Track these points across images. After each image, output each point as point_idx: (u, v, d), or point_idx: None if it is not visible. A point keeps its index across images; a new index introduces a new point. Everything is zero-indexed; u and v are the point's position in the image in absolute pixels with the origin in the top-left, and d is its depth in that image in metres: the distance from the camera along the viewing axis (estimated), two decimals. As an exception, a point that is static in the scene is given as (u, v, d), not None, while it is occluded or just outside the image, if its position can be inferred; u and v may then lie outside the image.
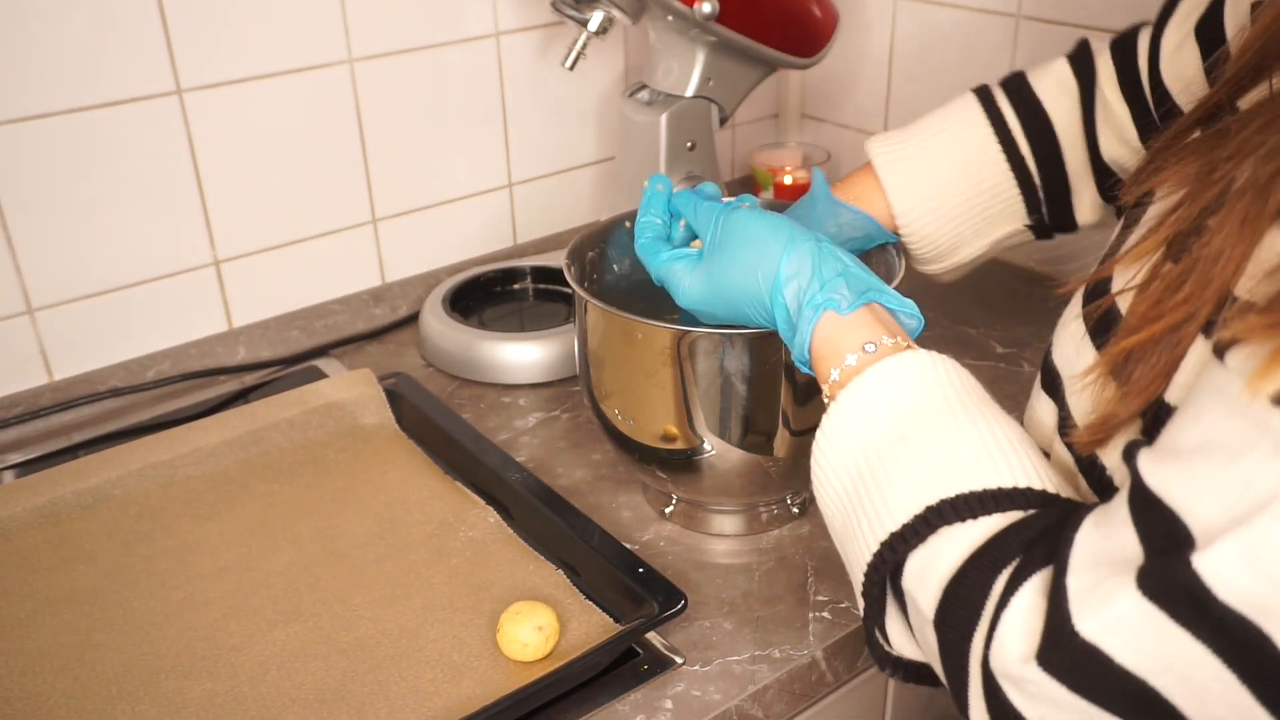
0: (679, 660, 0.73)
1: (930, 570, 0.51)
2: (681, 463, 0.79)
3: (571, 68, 1.06)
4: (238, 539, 0.84)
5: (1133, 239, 0.56)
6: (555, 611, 0.72)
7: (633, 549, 0.82)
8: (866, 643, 0.60)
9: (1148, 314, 0.49)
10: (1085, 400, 0.54)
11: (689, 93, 1.05)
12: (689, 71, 1.05)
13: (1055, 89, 0.80)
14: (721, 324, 0.70)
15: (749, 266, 0.63)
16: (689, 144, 1.07)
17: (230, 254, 1.07)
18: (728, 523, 0.85)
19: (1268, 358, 0.40)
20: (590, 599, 0.77)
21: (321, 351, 1.12)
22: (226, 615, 0.76)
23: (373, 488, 0.89)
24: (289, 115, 1.06)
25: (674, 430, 0.77)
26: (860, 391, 0.56)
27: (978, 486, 0.51)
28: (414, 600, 0.77)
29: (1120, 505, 0.46)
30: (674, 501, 0.86)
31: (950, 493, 0.51)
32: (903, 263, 0.79)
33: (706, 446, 0.77)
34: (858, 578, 0.56)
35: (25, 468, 0.94)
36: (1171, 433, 0.45)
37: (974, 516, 0.51)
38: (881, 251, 0.83)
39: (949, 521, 0.51)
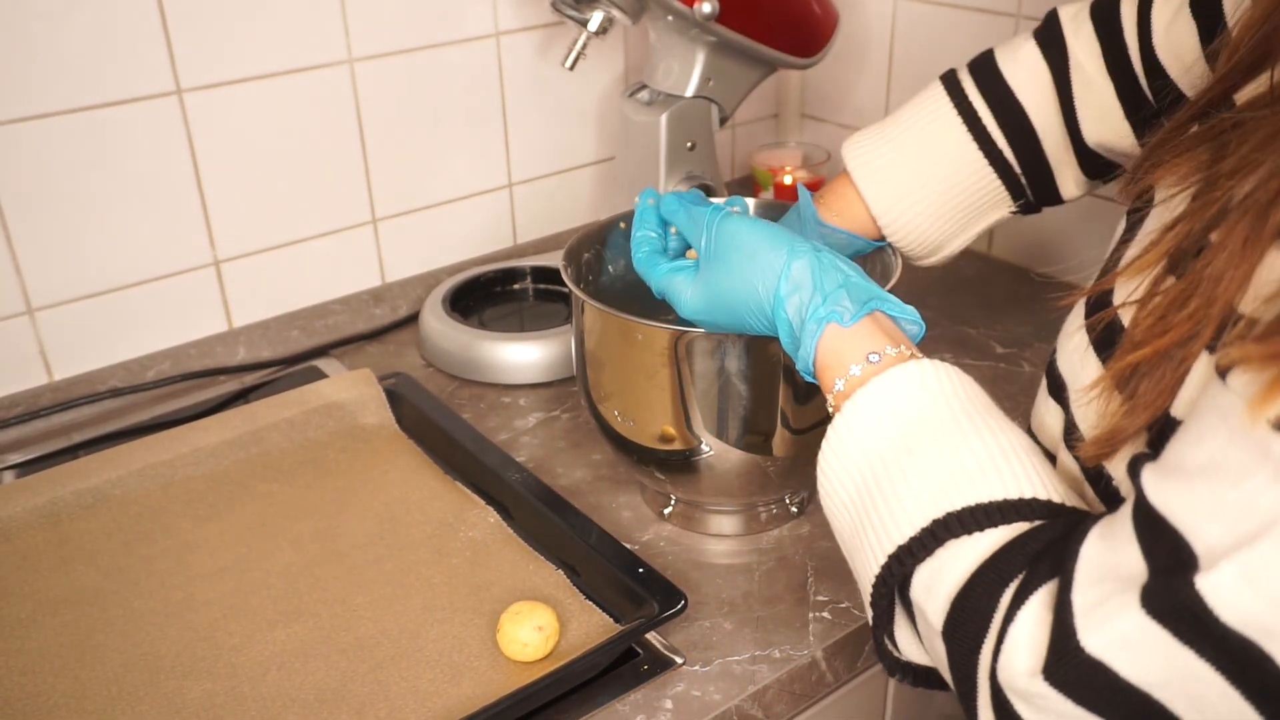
0: (679, 660, 0.73)
1: (938, 583, 0.52)
2: (680, 463, 0.79)
3: (571, 68, 1.06)
4: (238, 539, 0.84)
5: (1133, 251, 0.56)
6: (555, 611, 0.72)
7: (633, 549, 0.82)
8: (875, 650, 0.60)
9: (1153, 329, 0.49)
10: (1091, 413, 0.55)
11: (689, 93, 1.05)
12: (689, 71, 1.05)
13: (1026, 76, 0.79)
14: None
15: (748, 279, 0.63)
16: (689, 144, 1.07)
17: (230, 254, 1.07)
18: (727, 523, 0.85)
19: (1268, 383, 0.40)
20: (590, 599, 0.77)
21: (321, 351, 1.12)
22: (226, 615, 0.76)
23: (373, 488, 0.89)
24: (289, 115, 1.06)
25: (672, 431, 0.77)
26: (865, 402, 0.56)
27: (984, 498, 0.51)
28: (414, 600, 0.77)
29: (1124, 521, 0.46)
30: (672, 502, 0.86)
31: (956, 505, 0.52)
32: (899, 263, 0.79)
33: (705, 447, 0.77)
34: (866, 588, 0.56)
35: (25, 468, 0.94)
36: (1175, 451, 0.45)
37: (980, 529, 0.51)
38: (878, 252, 0.83)
39: (955, 535, 0.51)
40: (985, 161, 0.80)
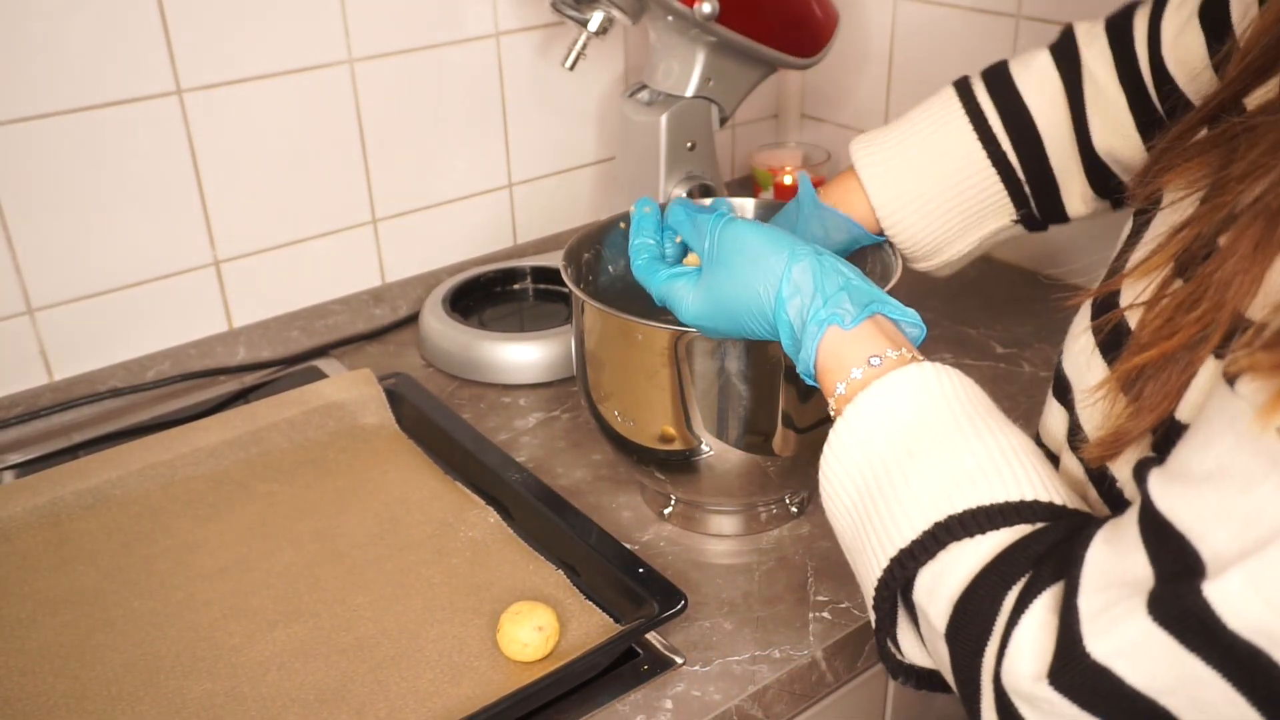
0: (679, 660, 0.73)
1: (941, 585, 0.52)
2: (680, 463, 0.79)
3: (571, 68, 1.06)
4: (238, 539, 0.84)
5: (1141, 253, 0.56)
6: (555, 611, 0.72)
7: (633, 549, 0.82)
8: (878, 653, 0.60)
9: (1160, 331, 0.49)
10: (1096, 414, 0.55)
11: (689, 93, 1.05)
12: (689, 71, 1.05)
13: (1037, 84, 0.79)
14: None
15: (750, 282, 0.63)
16: (689, 144, 1.07)
17: (230, 254, 1.07)
18: (727, 523, 0.85)
19: (1277, 391, 0.40)
20: (590, 599, 0.77)
21: (321, 351, 1.12)
22: (226, 615, 0.76)
23: (373, 488, 0.89)
24: (289, 115, 1.06)
25: (672, 431, 0.77)
26: (867, 406, 0.56)
27: (985, 501, 0.51)
28: (414, 600, 0.77)
29: (1130, 526, 0.46)
30: (672, 502, 0.86)
31: (958, 508, 0.52)
32: (899, 263, 0.79)
33: (705, 447, 0.77)
34: (869, 591, 0.56)
35: (25, 468, 0.94)
36: (1182, 456, 0.45)
37: (982, 531, 0.51)
38: (878, 251, 0.83)
39: (957, 537, 0.51)
40: (989, 163, 0.80)
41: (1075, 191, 0.81)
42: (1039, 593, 0.48)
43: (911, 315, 0.61)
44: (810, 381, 0.61)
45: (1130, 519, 0.46)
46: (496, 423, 1.00)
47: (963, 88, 0.81)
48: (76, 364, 1.02)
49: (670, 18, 1.00)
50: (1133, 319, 0.53)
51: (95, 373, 1.03)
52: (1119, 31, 0.76)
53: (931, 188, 0.80)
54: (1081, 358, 0.57)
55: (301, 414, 0.95)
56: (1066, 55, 0.79)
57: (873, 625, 0.58)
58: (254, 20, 1.01)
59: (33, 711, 0.69)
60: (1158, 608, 0.43)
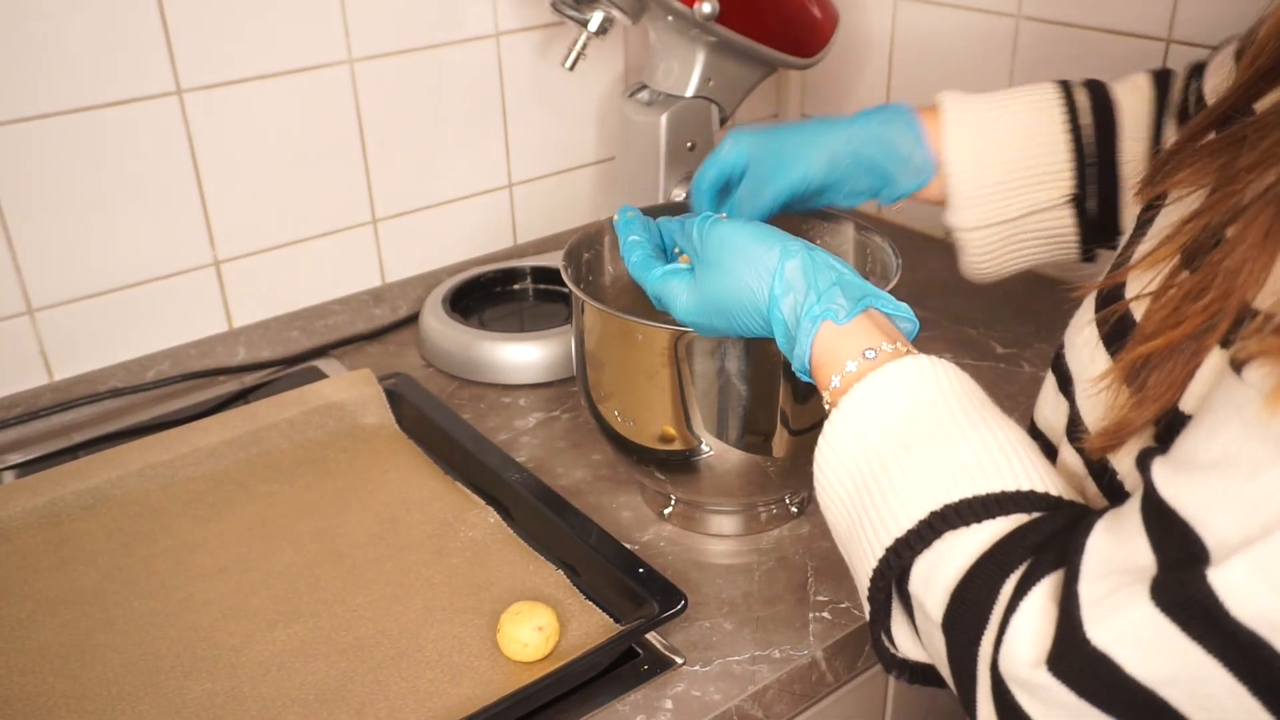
0: (679, 660, 0.73)
1: (937, 575, 0.52)
2: (680, 463, 0.79)
3: (571, 68, 1.06)
4: (238, 539, 0.84)
5: (1148, 245, 0.56)
6: (555, 612, 0.72)
7: (633, 549, 0.82)
8: (872, 646, 0.60)
9: (1166, 321, 0.49)
10: (1098, 405, 0.54)
11: (689, 93, 1.05)
12: (689, 72, 1.05)
13: (1131, 85, 0.80)
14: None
15: (742, 280, 0.63)
16: (689, 144, 1.07)
17: (230, 254, 1.07)
18: (727, 523, 0.85)
19: None
20: (590, 599, 0.77)
21: (321, 352, 1.12)
22: (226, 615, 0.76)
23: (373, 488, 0.89)
24: (289, 115, 1.06)
25: (672, 431, 0.77)
26: (862, 397, 0.56)
27: (981, 491, 0.51)
28: (414, 600, 0.77)
29: (1133, 513, 0.46)
30: (672, 502, 0.86)
31: (954, 498, 0.52)
32: (898, 263, 0.79)
33: (705, 447, 0.77)
34: (863, 583, 0.56)
35: (25, 468, 0.94)
36: (1187, 444, 0.45)
37: (978, 520, 0.51)
38: (879, 251, 0.83)
39: (953, 526, 0.51)
40: (1066, 130, 0.78)
41: (1131, 201, 0.79)
42: (1038, 580, 0.48)
43: (904, 309, 0.61)
44: (805, 377, 0.61)
45: (1133, 507, 0.46)
46: (496, 423, 1.00)
47: (1059, 82, 0.81)
48: (76, 364, 1.02)
49: (670, 18, 1.00)
50: (1138, 311, 0.53)
51: (95, 373, 1.03)
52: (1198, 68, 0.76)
53: (1004, 130, 0.78)
54: (1085, 350, 0.57)
55: (301, 414, 0.95)
56: (1163, 76, 0.80)
57: (867, 618, 0.58)
58: (254, 20, 1.01)
59: (33, 711, 0.69)
60: (1160, 594, 0.43)
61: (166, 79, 0.98)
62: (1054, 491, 0.52)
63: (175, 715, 0.69)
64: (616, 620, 0.75)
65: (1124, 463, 0.53)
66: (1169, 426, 0.48)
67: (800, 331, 0.60)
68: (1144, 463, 0.46)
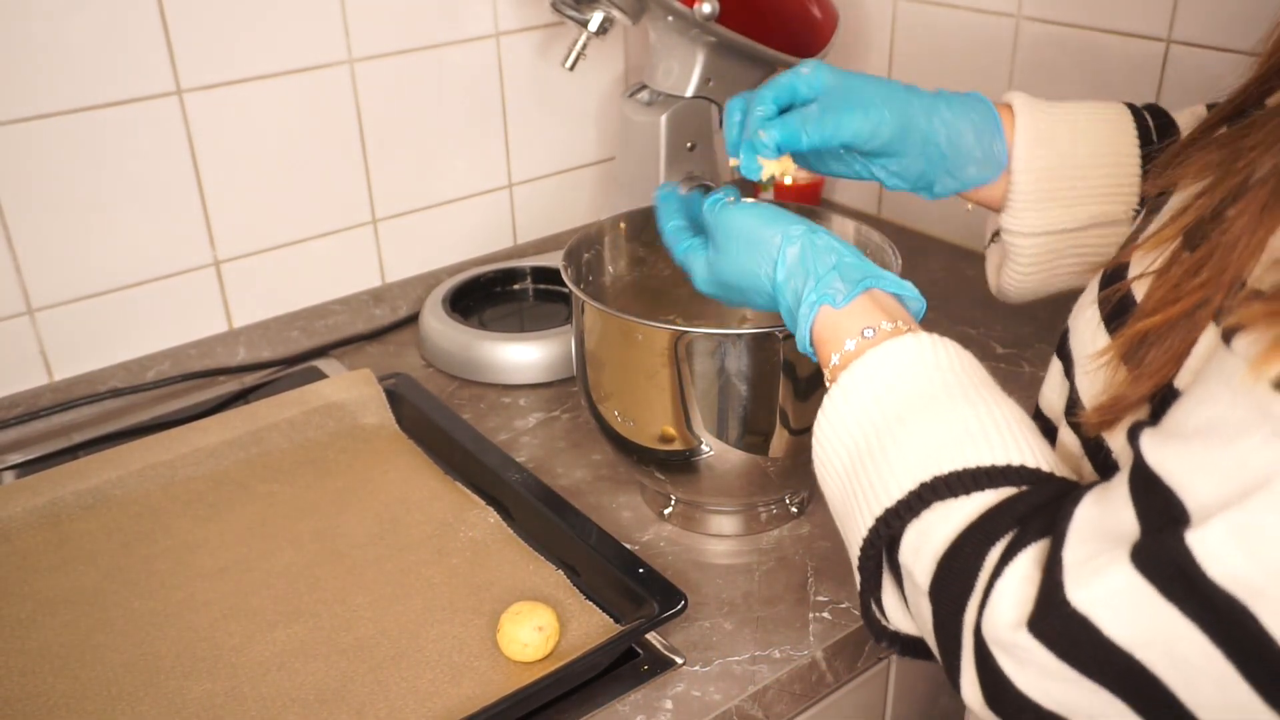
0: (679, 660, 0.73)
1: (925, 543, 0.52)
2: (680, 464, 0.79)
3: (571, 68, 1.06)
4: (238, 539, 0.84)
5: (1153, 226, 0.57)
6: (555, 612, 0.73)
7: (633, 549, 0.82)
8: (862, 615, 0.61)
9: (1165, 298, 0.50)
10: (1097, 382, 0.55)
11: (689, 93, 1.05)
12: (689, 72, 1.05)
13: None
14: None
15: (748, 266, 0.65)
16: (689, 144, 1.07)
17: (230, 254, 1.07)
18: (727, 523, 0.85)
19: (1271, 343, 0.41)
20: (590, 599, 0.77)
21: (321, 352, 1.12)
22: (226, 615, 0.76)
23: (373, 488, 0.89)
24: (289, 115, 1.06)
25: (672, 431, 0.77)
26: (861, 373, 0.57)
27: (971, 464, 0.52)
28: (414, 600, 0.77)
29: (1121, 483, 0.47)
30: (672, 502, 0.86)
31: (944, 470, 0.52)
32: (898, 263, 0.79)
33: (705, 447, 0.77)
34: (855, 552, 0.57)
35: (25, 468, 0.94)
36: (1176, 415, 0.46)
37: (967, 492, 0.52)
38: (878, 251, 0.83)
39: (942, 497, 0.52)
40: (1136, 145, 0.75)
41: None
42: (1024, 547, 0.48)
43: (909, 288, 0.62)
44: (811, 356, 0.62)
45: (1121, 478, 0.47)
46: (496, 423, 1.00)
47: (1127, 104, 0.79)
48: (76, 364, 1.02)
49: (670, 18, 1.00)
50: (1139, 291, 0.54)
51: (95, 373, 1.03)
52: None
53: (1076, 138, 0.75)
54: (1087, 331, 0.58)
55: (301, 414, 0.95)
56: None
57: (857, 588, 0.59)
58: (254, 20, 1.01)
59: (33, 711, 0.69)
60: (1140, 557, 0.43)
61: (166, 79, 0.98)
62: (1045, 467, 0.53)
63: (175, 715, 0.69)
64: (616, 620, 0.75)
65: (1118, 440, 0.54)
66: (1163, 402, 0.49)
67: (800, 315, 0.61)
68: (1133, 434, 0.47)
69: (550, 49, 1.21)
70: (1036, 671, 0.47)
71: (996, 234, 0.80)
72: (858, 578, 0.58)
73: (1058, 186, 0.75)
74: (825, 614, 0.77)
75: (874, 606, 0.59)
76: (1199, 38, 1.02)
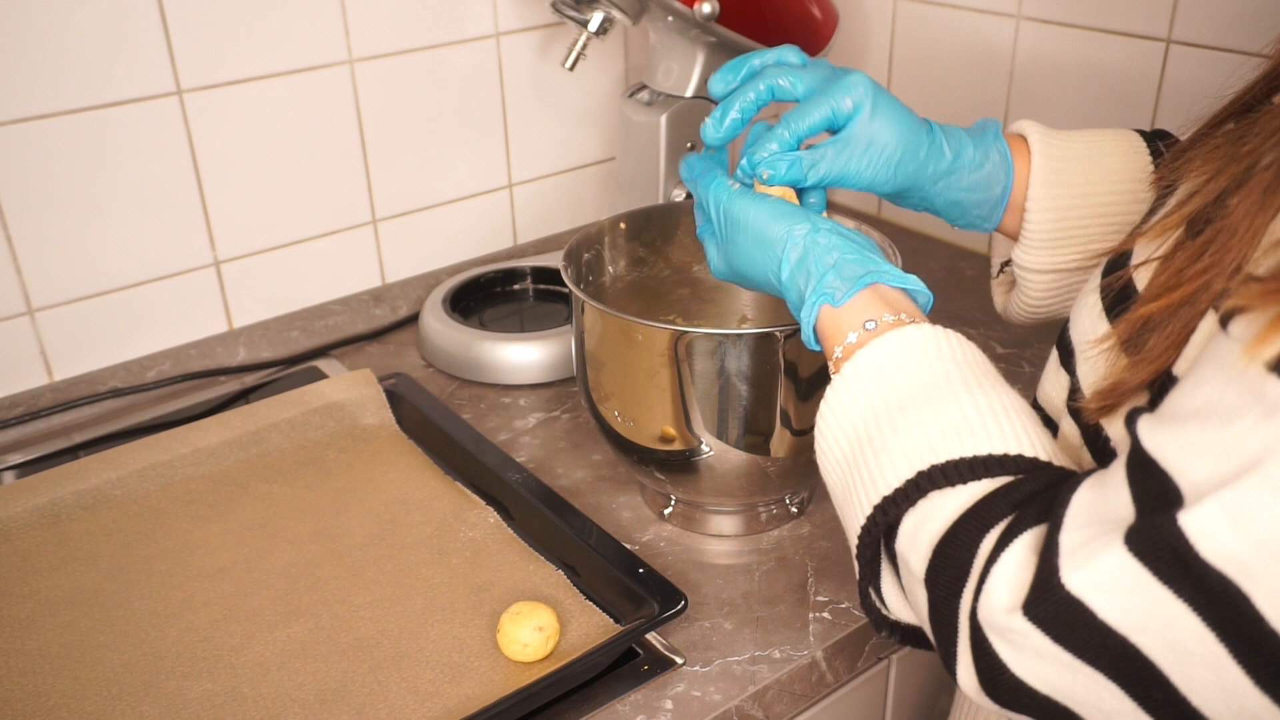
0: (679, 661, 0.73)
1: (922, 531, 0.53)
2: (680, 464, 0.79)
3: (571, 68, 1.06)
4: (238, 539, 0.84)
5: (1156, 215, 0.57)
6: (555, 612, 0.73)
7: (633, 549, 0.82)
8: (860, 604, 0.61)
9: (1167, 283, 0.50)
10: (1097, 367, 0.55)
11: (689, 93, 1.05)
12: (689, 72, 1.05)
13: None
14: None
15: (755, 260, 0.66)
16: (689, 144, 1.07)
17: (230, 254, 1.07)
18: (727, 523, 0.85)
19: (1267, 324, 0.41)
20: (590, 599, 0.77)
21: (321, 352, 1.12)
22: (226, 616, 0.76)
23: (373, 488, 0.89)
24: (289, 116, 1.06)
25: (672, 431, 0.77)
26: (863, 363, 0.57)
27: (969, 453, 0.52)
28: (414, 600, 0.77)
29: (1118, 468, 0.47)
30: (672, 503, 0.86)
31: (942, 458, 0.53)
32: (898, 262, 0.79)
33: (705, 447, 0.77)
34: (853, 541, 0.58)
35: (25, 468, 0.94)
36: (1173, 399, 0.46)
37: (964, 481, 0.52)
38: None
39: (939, 486, 0.52)
40: (1151, 178, 0.73)
41: None
42: (1021, 533, 0.49)
43: (913, 281, 0.62)
44: (816, 350, 0.63)
45: (1118, 463, 0.47)
46: (496, 423, 1.00)
47: (1139, 130, 0.77)
48: (76, 364, 1.02)
49: (670, 18, 1.00)
50: (1140, 279, 0.54)
51: (95, 373, 1.03)
52: None
53: (1091, 173, 0.74)
54: (1088, 318, 0.58)
55: (301, 414, 0.95)
56: None
57: (856, 576, 0.59)
58: (254, 21, 1.01)
59: (33, 711, 0.69)
60: (1135, 540, 0.43)
61: (166, 79, 0.98)
62: (1044, 456, 0.53)
63: (175, 715, 0.69)
64: (616, 620, 0.75)
65: (1117, 428, 0.54)
66: (1161, 389, 0.49)
67: (803, 315, 0.62)
68: (1131, 419, 0.47)
69: (550, 49, 1.21)
70: (1032, 656, 0.47)
71: (1005, 263, 0.80)
72: (856, 566, 0.59)
73: (1072, 225, 0.74)
74: (825, 614, 0.77)
75: (873, 595, 0.59)
76: (1199, 38, 1.02)
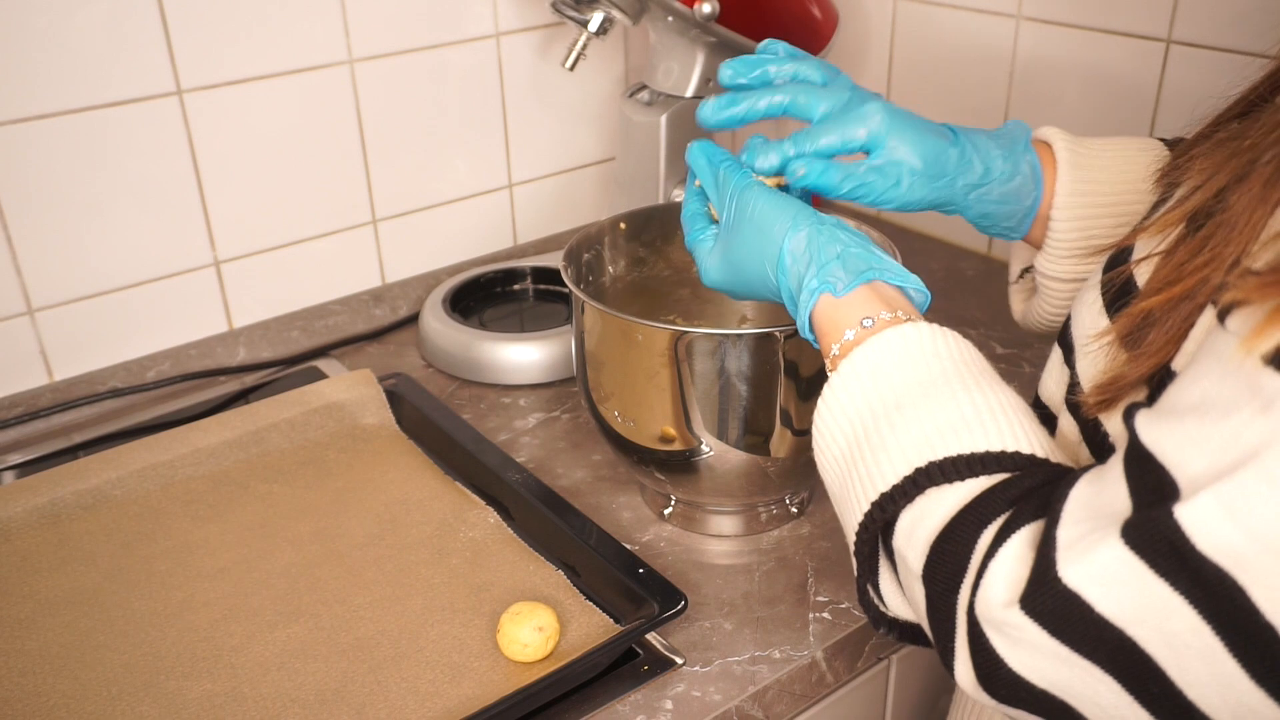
0: (679, 661, 0.73)
1: (919, 528, 0.53)
2: (680, 464, 0.79)
3: (571, 68, 1.06)
4: (238, 539, 0.84)
5: (1159, 212, 0.57)
6: (555, 612, 0.73)
7: (633, 549, 0.82)
8: (859, 601, 0.61)
9: (1167, 277, 0.50)
10: (1097, 363, 0.56)
11: (689, 93, 1.05)
12: (689, 72, 1.05)
13: None
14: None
15: (757, 250, 0.65)
16: (689, 144, 1.07)
17: (230, 254, 1.07)
18: (727, 523, 0.85)
19: (1264, 318, 0.41)
20: (590, 599, 0.77)
21: (321, 352, 1.12)
22: (226, 616, 0.76)
23: (373, 488, 0.89)
24: (289, 115, 1.06)
25: (672, 431, 0.77)
26: (861, 360, 0.57)
27: (966, 450, 0.52)
28: (414, 600, 0.77)
29: (1116, 463, 0.47)
30: (672, 503, 0.86)
31: (939, 455, 0.53)
32: (897, 258, 0.79)
33: (705, 448, 0.77)
34: (851, 538, 0.58)
35: (25, 468, 0.94)
36: (1171, 394, 0.46)
37: (961, 478, 0.52)
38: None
39: (936, 483, 0.52)
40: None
41: None
42: (1017, 528, 0.49)
43: (913, 280, 0.62)
44: (814, 343, 0.63)
45: (1116, 458, 0.47)
46: (496, 423, 1.00)
47: (1161, 139, 0.77)
48: (76, 364, 1.02)
49: (670, 18, 1.00)
50: (1141, 275, 0.54)
51: (95, 373, 1.03)
52: None
53: (1117, 182, 0.74)
54: (1089, 315, 0.58)
55: (301, 414, 0.95)
56: None
57: (854, 573, 0.59)
58: (254, 21, 1.01)
59: (33, 711, 0.69)
60: (1131, 533, 0.44)
61: (166, 79, 0.98)
62: (1040, 452, 0.53)
63: (175, 715, 0.69)
64: (617, 620, 0.75)
65: (1115, 424, 0.54)
66: (1160, 384, 0.49)
67: (800, 301, 0.62)
68: (1129, 414, 0.47)
69: (550, 49, 1.21)
70: (1029, 650, 0.47)
71: (1025, 270, 0.80)
72: (854, 563, 0.59)
73: (1097, 235, 0.74)
74: (825, 614, 0.77)
75: (871, 592, 0.59)
76: (1199, 38, 1.02)
